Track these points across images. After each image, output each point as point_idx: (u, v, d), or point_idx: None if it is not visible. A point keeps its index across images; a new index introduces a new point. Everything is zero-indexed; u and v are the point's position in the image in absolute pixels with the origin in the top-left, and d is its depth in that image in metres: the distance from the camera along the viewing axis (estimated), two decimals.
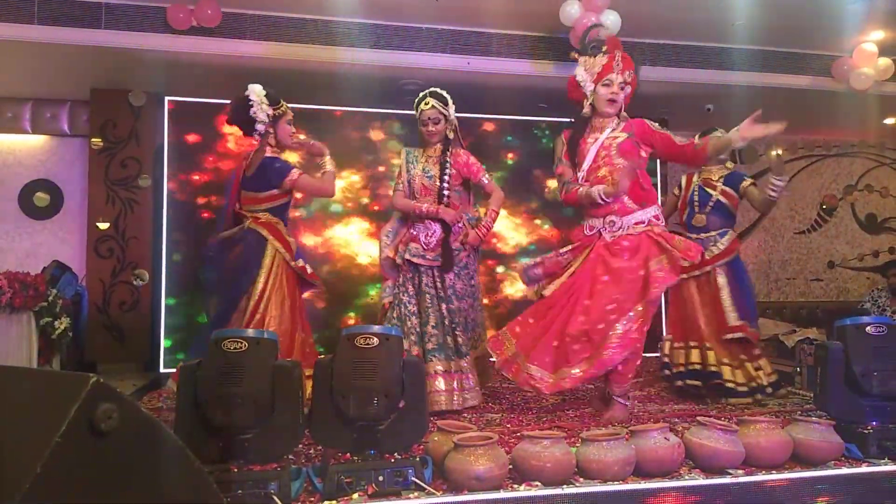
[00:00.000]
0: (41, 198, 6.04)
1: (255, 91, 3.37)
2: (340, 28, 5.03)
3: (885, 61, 5.69)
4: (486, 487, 2.15)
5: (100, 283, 5.53)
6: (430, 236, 3.66)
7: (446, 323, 3.60)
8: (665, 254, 3.15)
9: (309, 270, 3.51)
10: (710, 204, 4.06)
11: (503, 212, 4.49)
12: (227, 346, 2.19)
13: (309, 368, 2.39)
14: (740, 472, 2.39)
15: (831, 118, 6.76)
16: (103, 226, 5.57)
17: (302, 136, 3.93)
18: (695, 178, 4.20)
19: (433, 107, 3.65)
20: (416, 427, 2.33)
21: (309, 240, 5.55)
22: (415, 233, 3.68)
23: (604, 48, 3.34)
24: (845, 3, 4.94)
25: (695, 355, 3.92)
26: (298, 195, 4.00)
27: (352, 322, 5.52)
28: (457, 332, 3.59)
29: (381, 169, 5.78)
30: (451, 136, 3.74)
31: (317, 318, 5.30)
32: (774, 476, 2.36)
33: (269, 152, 3.44)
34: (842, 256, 7.93)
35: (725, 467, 2.39)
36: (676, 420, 3.25)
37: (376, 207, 5.71)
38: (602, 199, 3.19)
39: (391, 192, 4.07)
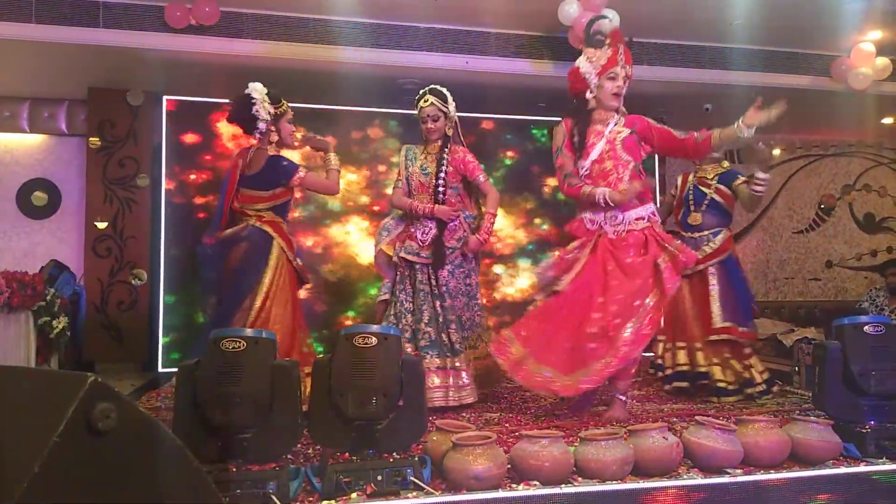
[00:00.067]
0: (39, 197, 6.03)
1: (257, 89, 3.36)
2: (339, 27, 5.02)
3: (883, 61, 5.69)
4: (485, 487, 2.15)
5: (98, 282, 5.52)
6: (426, 234, 3.67)
7: (440, 320, 3.61)
8: (667, 252, 3.20)
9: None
10: (705, 202, 4.08)
11: (501, 211, 4.49)
12: (225, 345, 2.19)
13: (308, 367, 2.39)
14: (739, 471, 2.39)
15: (829, 118, 6.75)
16: (101, 225, 5.56)
17: (300, 134, 3.93)
18: (690, 177, 4.21)
19: (432, 104, 3.67)
20: (415, 426, 2.34)
21: (308, 239, 5.54)
22: (412, 230, 3.71)
23: (607, 41, 3.32)
24: (843, 2, 4.94)
25: (681, 356, 3.93)
26: (298, 195, 3.99)
27: (351, 322, 5.51)
28: (450, 330, 3.60)
29: (381, 168, 5.77)
30: (451, 133, 3.75)
31: (316, 317, 5.30)
32: (773, 475, 2.36)
33: (270, 151, 3.43)
34: (840, 256, 7.94)
35: (724, 467, 2.40)
36: (675, 419, 3.25)
37: (376, 207, 5.70)
38: (604, 203, 3.21)
39: (390, 191, 4.08)
